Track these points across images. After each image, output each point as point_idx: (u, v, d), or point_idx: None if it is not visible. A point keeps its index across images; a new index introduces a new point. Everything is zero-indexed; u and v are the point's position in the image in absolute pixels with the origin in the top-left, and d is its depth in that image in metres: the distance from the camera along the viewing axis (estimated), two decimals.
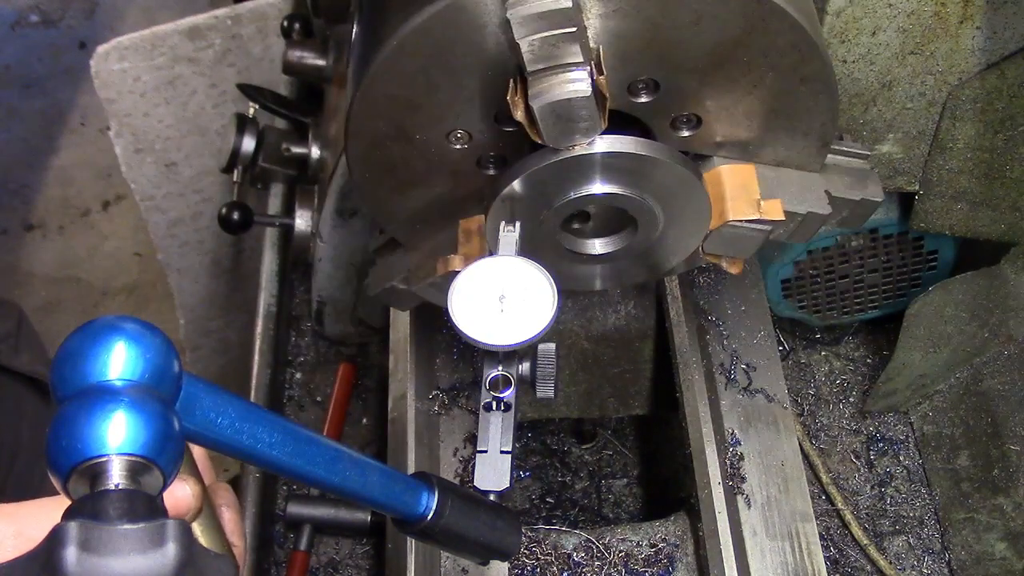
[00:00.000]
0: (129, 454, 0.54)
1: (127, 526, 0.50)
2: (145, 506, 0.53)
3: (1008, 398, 1.34)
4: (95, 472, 0.54)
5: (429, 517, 0.80)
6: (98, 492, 0.53)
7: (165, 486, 0.56)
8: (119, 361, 0.57)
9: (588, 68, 0.79)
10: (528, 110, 0.81)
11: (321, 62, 1.52)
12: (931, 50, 1.10)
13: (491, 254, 0.91)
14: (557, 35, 0.77)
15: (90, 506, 0.52)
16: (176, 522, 0.51)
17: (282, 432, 0.67)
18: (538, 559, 1.14)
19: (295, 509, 1.35)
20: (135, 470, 0.54)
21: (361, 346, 1.61)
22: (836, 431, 1.46)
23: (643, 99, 0.88)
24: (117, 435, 0.54)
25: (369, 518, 1.35)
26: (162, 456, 0.56)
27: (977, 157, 1.19)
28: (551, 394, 0.91)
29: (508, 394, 0.87)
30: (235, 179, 1.53)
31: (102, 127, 3.12)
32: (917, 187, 1.24)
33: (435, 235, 1.04)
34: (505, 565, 1.13)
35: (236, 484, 1.37)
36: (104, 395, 0.56)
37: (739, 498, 1.14)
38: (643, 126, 0.91)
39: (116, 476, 0.54)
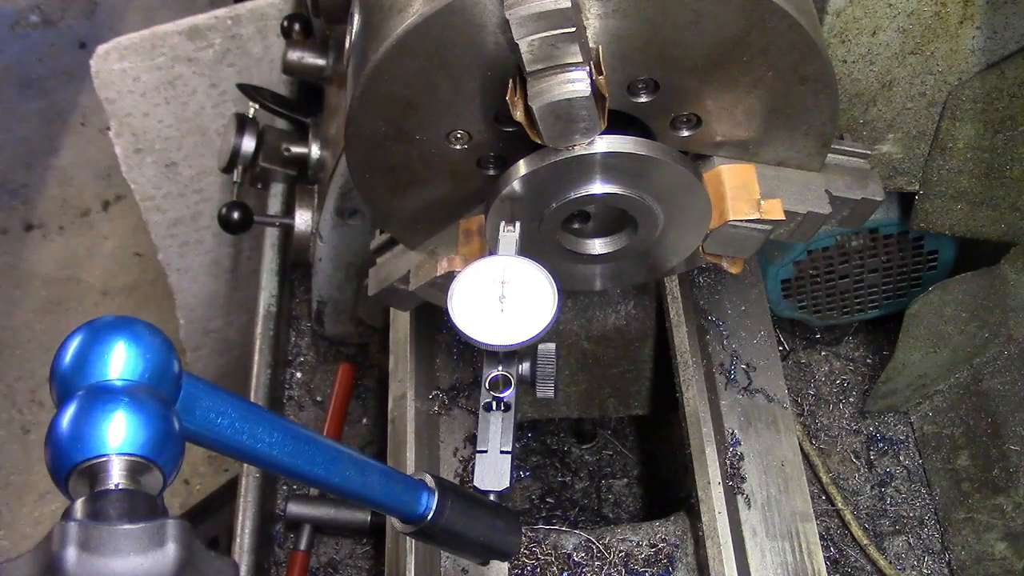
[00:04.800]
0: (129, 454, 0.54)
1: (127, 526, 0.50)
2: (145, 506, 0.53)
3: (1008, 398, 1.34)
4: (95, 472, 0.54)
5: (429, 517, 0.80)
6: (98, 492, 0.53)
7: (165, 486, 0.56)
8: (119, 361, 0.57)
9: (587, 68, 0.79)
10: (528, 110, 0.81)
11: (321, 62, 1.53)
12: (931, 50, 1.10)
13: (491, 254, 0.91)
14: (556, 35, 0.77)
15: (90, 506, 0.52)
16: (176, 522, 0.51)
17: (282, 432, 0.67)
18: (538, 559, 1.14)
19: (295, 509, 1.35)
20: (135, 470, 0.54)
21: (361, 346, 1.61)
22: (836, 431, 1.46)
23: (643, 99, 0.88)
24: (117, 435, 0.54)
25: (369, 518, 1.35)
26: (162, 456, 0.56)
27: (977, 157, 1.19)
28: (551, 394, 0.91)
29: (508, 394, 0.87)
30: (235, 179, 1.53)
31: (102, 127, 3.12)
32: (917, 187, 1.24)
33: (435, 235, 1.05)
34: (505, 565, 1.13)
35: (235, 484, 1.37)
36: (104, 395, 0.56)
37: (739, 498, 1.14)
38: (643, 126, 0.91)
39: (116, 476, 0.54)
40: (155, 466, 0.55)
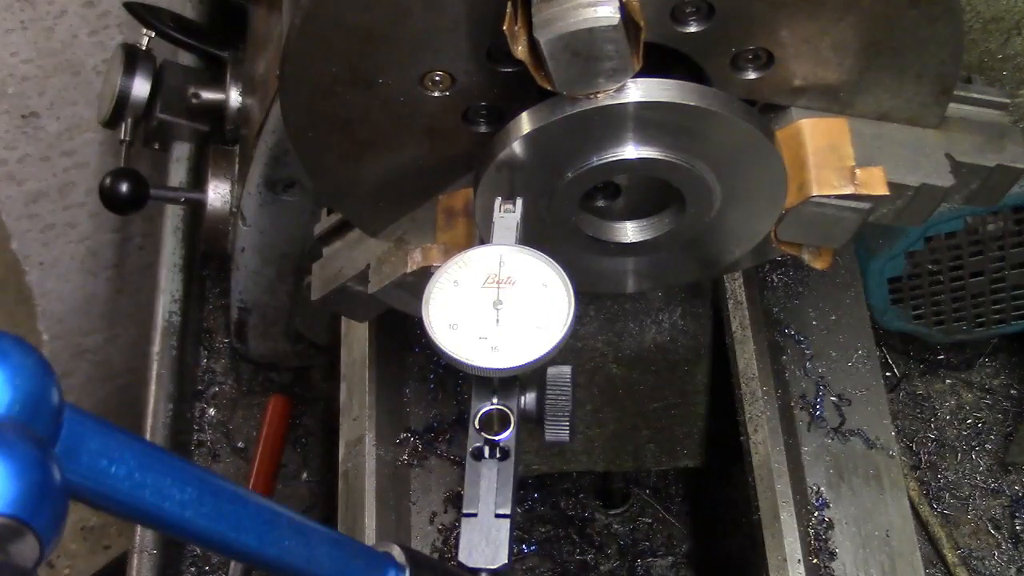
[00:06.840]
0: None
1: None
2: None
3: None
4: None
5: None
6: None
7: (43, 557, 0.58)
8: None
9: None
10: (533, 44, 0.84)
11: None
12: None
13: (482, 243, 0.94)
14: None
15: None
16: None
17: (198, 486, 0.69)
18: None
19: None
20: (3, 535, 0.56)
21: (299, 371, 1.63)
22: (967, 490, 1.48)
23: (693, 28, 0.90)
24: None
25: None
26: (38, 516, 0.57)
27: None
28: (566, 437, 0.93)
29: (506, 436, 0.89)
30: (122, 136, 1.55)
31: None
32: None
33: (404, 217, 1.07)
34: None
35: (121, 567, 1.39)
36: None
37: None
38: (693, 66, 0.94)
39: None
40: (29, 530, 0.57)
